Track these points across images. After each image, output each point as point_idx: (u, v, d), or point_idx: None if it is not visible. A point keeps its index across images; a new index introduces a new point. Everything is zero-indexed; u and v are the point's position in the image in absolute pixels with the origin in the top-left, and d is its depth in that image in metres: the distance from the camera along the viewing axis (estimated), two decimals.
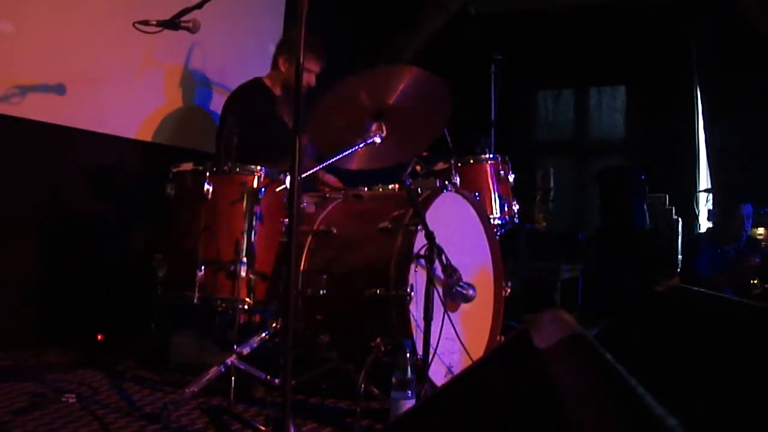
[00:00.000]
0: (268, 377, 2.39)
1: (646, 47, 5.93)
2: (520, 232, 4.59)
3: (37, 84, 3.10)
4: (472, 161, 3.33)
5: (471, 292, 2.47)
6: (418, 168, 3.14)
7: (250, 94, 3.34)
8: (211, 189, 2.46)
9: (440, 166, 3.21)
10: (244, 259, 2.44)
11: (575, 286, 5.20)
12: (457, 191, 2.75)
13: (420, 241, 2.34)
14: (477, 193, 2.98)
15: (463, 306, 2.59)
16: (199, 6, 2.57)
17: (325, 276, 2.52)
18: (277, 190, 2.57)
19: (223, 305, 2.52)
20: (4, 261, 3.03)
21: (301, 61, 1.68)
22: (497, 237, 2.94)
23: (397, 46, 6.03)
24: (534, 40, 6.12)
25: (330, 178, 3.44)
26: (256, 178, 2.50)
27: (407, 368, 1.95)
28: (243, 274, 2.43)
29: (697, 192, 5.87)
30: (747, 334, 1.50)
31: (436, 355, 2.27)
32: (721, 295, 1.85)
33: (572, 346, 0.99)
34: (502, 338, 2.81)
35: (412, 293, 2.33)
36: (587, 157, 6.56)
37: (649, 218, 5.48)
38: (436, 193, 2.59)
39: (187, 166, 2.54)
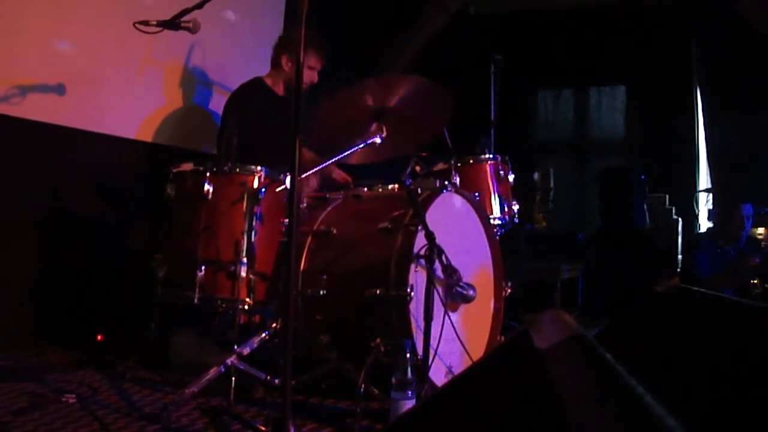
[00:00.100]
0: (268, 377, 2.39)
1: (646, 47, 5.93)
2: (520, 232, 4.59)
3: (37, 84, 3.10)
4: (471, 161, 3.33)
5: (471, 292, 2.47)
6: (417, 168, 3.14)
7: (250, 93, 3.34)
8: (211, 189, 2.46)
9: (440, 166, 3.21)
10: (244, 260, 2.44)
11: (575, 286, 5.20)
12: (456, 191, 2.75)
13: (420, 242, 2.34)
14: (477, 194, 2.98)
15: (463, 306, 2.59)
16: (199, 6, 2.57)
17: (325, 276, 2.52)
18: (277, 190, 2.57)
19: (223, 305, 2.52)
20: (4, 261, 3.03)
21: (302, 61, 1.69)
22: (497, 237, 2.94)
23: (397, 46, 6.03)
24: (534, 40, 6.12)
25: (339, 174, 3.45)
26: (256, 178, 2.51)
27: (407, 368, 1.95)
28: (243, 274, 2.43)
29: (697, 192, 5.87)
30: (747, 334, 1.50)
31: (436, 356, 2.27)
32: (721, 295, 1.85)
33: (572, 346, 0.99)
34: (502, 338, 2.81)
35: (412, 293, 2.33)
36: (587, 157, 6.56)
37: (649, 218, 5.48)
38: (436, 193, 2.59)
39: (188, 167, 2.54)
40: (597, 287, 5.27)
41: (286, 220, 2.28)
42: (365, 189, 2.88)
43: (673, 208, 5.64)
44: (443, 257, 2.33)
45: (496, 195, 3.30)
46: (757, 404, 1.36)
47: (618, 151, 6.47)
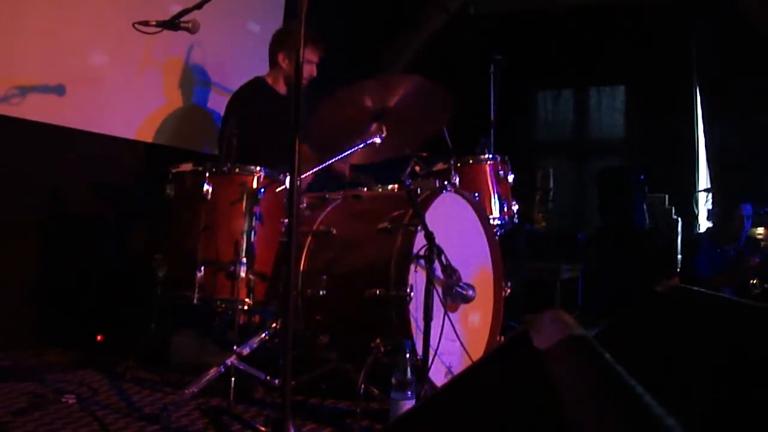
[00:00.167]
0: (268, 378, 2.39)
1: (646, 47, 5.93)
2: (520, 233, 4.59)
3: (36, 84, 3.10)
4: (471, 161, 3.33)
5: (471, 292, 2.47)
6: (417, 168, 3.14)
7: (251, 93, 3.34)
8: (210, 189, 2.46)
9: (440, 166, 3.21)
10: (244, 260, 2.44)
11: (575, 286, 5.20)
12: (456, 192, 2.75)
13: (420, 242, 2.34)
14: (476, 194, 2.98)
15: (463, 306, 2.59)
16: (198, 6, 2.57)
17: (324, 276, 2.52)
18: (277, 190, 2.57)
19: (223, 306, 2.52)
20: (4, 261, 3.03)
21: (301, 61, 1.69)
22: (497, 237, 2.94)
23: (397, 46, 6.03)
24: (534, 40, 6.12)
25: (341, 166, 3.40)
26: (255, 178, 2.51)
27: (407, 369, 1.95)
28: (243, 274, 2.43)
29: (696, 192, 5.87)
30: (747, 334, 1.50)
31: (435, 356, 2.27)
32: (721, 295, 1.85)
33: (572, 346, 0.99)
34: (502, 338, 2.81)
35: (412, 293, 2.33)
36: (587, 157, 6.56)
37: (649, 218, 5.48)
38: (436, 193, 2.59)
39: (187, 167, 2.54)
40: (597, 287, 5.27)
41: (286, 220, 2.28)
42: (365, 189, 2.88)
43: (673, 208, 5.64)
44: (443, 257, 2.33)
45: (496, 195, 3.30)
46: (757, 404, 1.36)
47: (618, 151, 6.47)
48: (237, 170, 2.50)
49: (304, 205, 2.78)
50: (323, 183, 3.24)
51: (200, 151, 3.85)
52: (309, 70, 3.33)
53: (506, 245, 3.03)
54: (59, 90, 3.18)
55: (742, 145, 5.68)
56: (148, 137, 3.68)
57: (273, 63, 3.43)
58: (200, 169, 2.50)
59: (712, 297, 1.74)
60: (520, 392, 1.08)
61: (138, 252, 3.50)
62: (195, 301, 2.43)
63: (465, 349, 2.49)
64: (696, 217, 5.80)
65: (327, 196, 2.88)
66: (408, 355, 1.96)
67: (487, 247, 2.88)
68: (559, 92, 6.67)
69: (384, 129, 2.60)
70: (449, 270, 2.38)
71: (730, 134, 5.78)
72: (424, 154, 3.12)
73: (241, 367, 2.34)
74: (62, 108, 3.20)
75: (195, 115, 3.95)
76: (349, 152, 2.59)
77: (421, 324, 2.22)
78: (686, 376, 1.46)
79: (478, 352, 2.64)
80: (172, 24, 2.60)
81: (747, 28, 5.38)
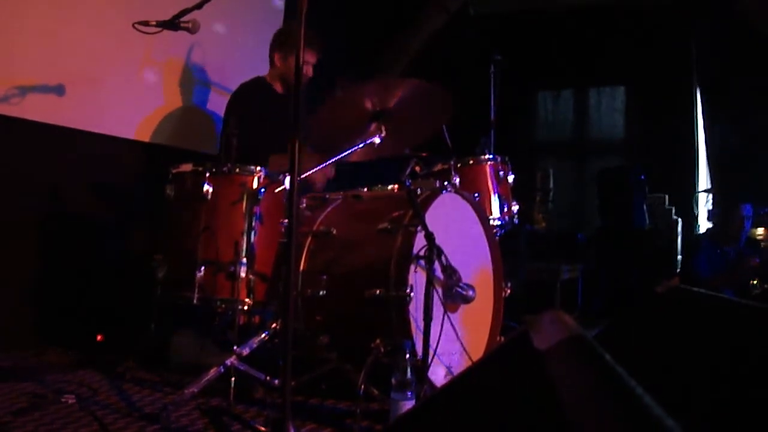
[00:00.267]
0: (268, 378, 2.39)
1: (646, 47, 5.93)
2: (520, 233, 4.59)
3: (36, 84, 3.10)
4: (471, 162, 3.32)
5: (471, 292, 2.47)
6: (417, 169, 3.14)
7: (252, 93, 3.34)
8: (210, 190, 2.46)
9: (440, 166, 3.21)
10: (244, 260, 2.44)
11: (575, 286, 5.20)
12: (456, 192, 2.75)
13: (419, 242, 2.34)
14: (476, 194, 2.98)
15: (463, 307, 2.59)
16: (198, 6, 2.57)
17: (324, 277, 2.52)
18: (277, 190, 2.57)
19: (223, 306, 2.52)
20: (4, 261, 3.03)
21: (301, 61, 1.69)
22: (497, 238, 2.94)
23: (397, 46, 6.03)
24: (534, 41, 6.12)
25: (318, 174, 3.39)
26: (255, 178, 2.51)
27: (407, 369, 1.95)
28: (243, 274, 2.43)
29: (696, 192, 5.87)
30: (747, 334, 1.50)
31: (435, 356, 2.27)
32: (721, 296, 1.85)
33: (572, 347, 0.99)
34: (502, 339, 2.81)
35: (412, 294, 2.33)
36: (587, 158, 6.56)
37: (649, 218, 5.48)
38: (436, 193, 2.59)
39: (187, 167, 2.54)
40: (597, 287, 5.27)
41: (286, 221, 2.28)
42: (365, 189, 2.88)
43: (673, 208, 5.64)
44: (443, 258, 2.33)
45: (496, 195, 3.30)
46: (757, 404, 1.36)
47: (618, 152, 6.47)
48: (237, 170, 2.50)
49: (304, 205, 2.78)
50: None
51: (200, 151, 3.85)
52: (305, 71, 3.32)
53: (506, 246, 3.03)
54: (59, 90, 3.18)
55: (742, 145, 5.68)
56: (147, 137, 3.68)
57: (272, 63, 3.43)
58: (200, 169, 2.50)
59: (712, 297, 1.73)
60: (520, 393, 1.08)
61: (138, 252, 3.49)
62: (195, 301, 2.43)
63: (465, 349, 2.49)
64: (696, 217, 5.80)
65: (327, 196, 2.89)
66: (408, 356, 1.96)
67: (487, 248, 2.88)
68: (558, 92, 6.68)
69: (383, 129, 2.60)
70: (449, 270, 2.38)
71: (730, 134, 5.78)
72: (424, 155, 3.12)
73: (241, 367, 2.34)
74: (62, 108, 3.20)
75: (195, 115, 3.95)
76: (348, 152, 2.59)
77: (421, 324, 2.21)
78: (686, 377, 1.46)
79: (477, 352, 2.64)
80: (172, 24, 2.60)
81: (747, 28, 5.39)
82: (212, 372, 2.29)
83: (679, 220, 5.55)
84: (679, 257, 5.39)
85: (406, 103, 2.57)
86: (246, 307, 2.47)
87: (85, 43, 3.31)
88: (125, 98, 3.53)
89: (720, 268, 4.20)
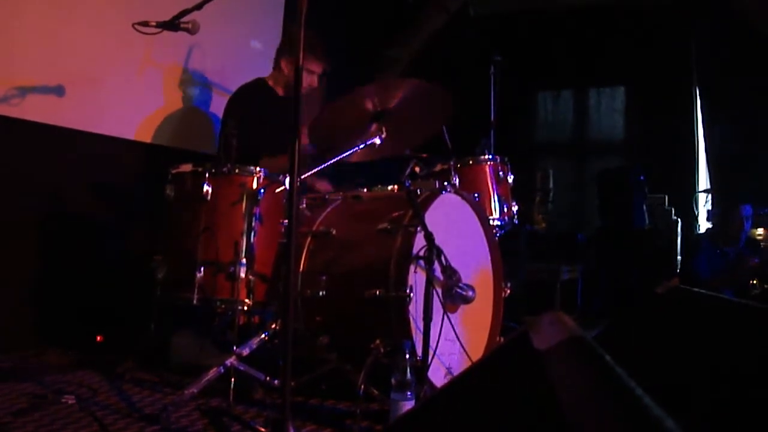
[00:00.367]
0: (268, 378, 2.39)
1: (646, 47, 5.92)
2: (520, 233, 4.59)
3: (36, 85, 3.10)
4: (471, 162, 3.33)
5: (470, 293, 2.47)
6: (417, 169, 3.14)
7: (252, 94, 3.34)
8: (210, 190, 2.46)
9: (439, 167, 3.21)
10: (244, 260, 2.44)
11: (575, 286, 5.20)
12: (456, 192, 2.75)
13: (419, 242, 2.34)
14: (476, 195, 2.98)
15: (463, 307, 2.59)
16: (198, 7, 2.57)
17: (324, 277, 2.52)
18: (277, 191, 2.57)
19: (223, 306, 2.52)
20: (4, 261, 3.03)
21: (301, 61, 1.69)
22: (496, 238, 2.94)
23: (397, 46, 6.03)
24: (534, 41, 6.12)
25: (322, 185, 3.39)
26: (255, 179, 2.51)
27: (407, 369, 1.95)
28: (242, 275, 2.43)
29: (696, 193, 5.86)
30: (746, 334, 1.50)
31: (435, 357, 2.27)
32: (721, 296, 1.85)
33: (571, 347, 0.99)
34: (502, 339, 2.81)
35: (412, 294, 2.33)
36: (587, 158, 6.56)
37: (649, 219, 5.48)
38: (436, 194, 2.59)
39: (187, 168, 2.54)
40: (597, 288, 5.27)
41: (286, 221, 2.28)
42: (365, 190, 2.88)
43: (673, 209, 5.63)
44: (442, 258, 2.33)
45: (496, 196, 3.30)
46: (757, 404, 1.36)
47: (617, 152, 6.46)
48: (237, 171, 2.50)
49: (304, 205, 2.78)
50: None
51: (199, 152, 3.85)
52: (309, 81, 3.32)
53: (506, 246, 3.03)
54: (59, 90, 3.18)
55: (742, 145, 5.67)
56: (147, 138, 3.68)
57: (277, 66, 3.43)
58: (200, 169, 2.49)
59: (711, 298, 1.74)
60: (520, 393, 1.08)
61: (138, 252, 3.48)
62: (195, 301, 2.43)
63: (464, 350, 2.49)
64: (696, 218, 5.80)
65: (327, 196, 2.89)
66: (407, 356, 1.96)
67: (487, 248, 2.88)
68: (558, 93, 6.67)
69: (383, 130, 2.60)
70: (449, 271, 2.38)
71: (730, 134, 5.77)
72: (424, 155, 3.13)
73: (241, 367, 2.34)
74: (62, 108, 3.20)
75: (194, 115, 3.95)
76: (348, 153, 2.59)
77: (421, 325, 2.21)
78: (686, 377, 1.46)
79: (477, 353, 2.64)
80: (172, 25, 2.60)
81: (747, 28, 5.38)
82: (212, 372, 2.29)
83: (679, 220, 5.55)
84: (679, 258, 5.39)
85: (406, 103, 2.58)
86: (246, 308, 2.47)
87: (85, 43, 3.31)
88: (125, 99, 3.53)
89: (720, 269, 4.20)
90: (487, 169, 3.33)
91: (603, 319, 4.27)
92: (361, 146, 2.57)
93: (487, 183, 3.30)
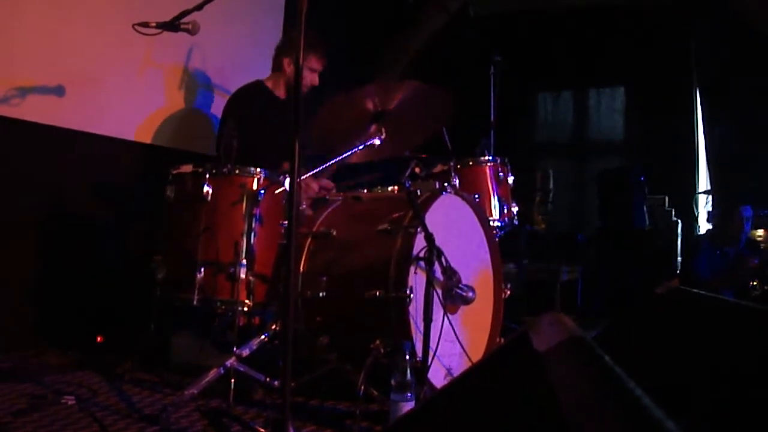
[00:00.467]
0: (268, 379, 2.39)
1: (646, 47, 5.93)
2: (520, 234, 4.59)
3: (36, 85, 3.10)
4: (471, 163, 3.33)
5: (470, 294, 2.47)
6: (417, 170, 3.14)
7: (250, 96, 3.34)
8: (210, 191, 2.46)
9: (439, 168, 3.21)
10: (244, 261, 2.44)
11: (575, 287, 5.20)
12: (456, 193, 2.75)
13: (419, 243, 2.34)
14: (476, 195, 2.99)
15: (463, 308, 2.59)
16: (198, 8, 2.57)
17: (324, 278, 2.52)
18: (277, 192, 2.57)
19: (223, 307, 2.51)
20: (4, 261, 3.03)
21: (301, 62, 1.69)
22: (497, 239, 2.94)
23: (397, 46, 6.03)
24: (534, 41, 6.12)
25: (324, 182, 3.41)
26: (255, 180, 2.50)
27: (407, 370, 1.95)
28: (242, 275, 2.42)
29: (696, 193, 5.86)
30: (746, 335, 1.50)
31: (435, 357, 2.27)
32: (721, 297, 1.85)
33: (571, 348, 0.99)
34: (502, 340, 2.81)
35: (412, 295, 2.33)
36: (587, 158, 6.56)
37: (649, 219, 5.48)
38: (436, 195, 2.59)
39: (187, 168, 2.54)
40: (597, 288, 5.27)
41: (286, 222, 2.28)
42: (365, 191, 2.88)
43: (673, 209, 5.63)
44: (443, 259, 2.33)
45: (496, 197, 3.30)
46: (757, 404, 1.36)
47: (618, 152, 6.46)
48: (237, 172, 2.50)
49: (304, 206, 2.78)
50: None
51: (199, 153, 3.85)
52: (311, 78, 3.32)
53: (506, 247, 3.03)
54: (59, 90, 3.18)
55: (742, 145, 5.67)
56: (147, 139, 3.68)
57: (277, 67, 3.42)
58: (200, 170, 2.49)
59: (711, 299, 1.74)
60: (520, 394, 1.08)
61: (138, 252, 3.49)
62: (195, 302, 2.43)
63: (464, 350, 2.49)
64: (696, 218, 5.80)
65: (327, 197, 2.89)
66: (407, 357, 1.96)
67: (487, 249, 2.88)
68: (558, 93, 6.67)
69: (383, 131, 2.60)
70: (449, 271, 2.38)
71: (730, 135, 5.77)
72: (424, 156, 3.13)
73: (241, 368, 2.34)
74: (62, 109, 3.20)
75: (194, 116, 3.95)
76: (348, 154, 2.59)
77: (421, 325, 2.22)
78: (686, 378, 1.46)
79: (477, 353, 2.64)
80: (172, 25, 2.60)
81: (747, 28, 5.38)
82: (212, 373, 2.29)
83: (679, 221, 5.55)
84: (679, 258, 5.39)
85: (406, 104, 2.58)
86: (246, 309, 2.47)
87: (85, 43, 3.31)
88: (125, 99, 3.53)
89: (720, 270, 4.20)
90: (487, 170, 3.33)
91: (603, 319, 4.27)
92: (360, 147, 2.57)
93: (487, 184, 3.30)
